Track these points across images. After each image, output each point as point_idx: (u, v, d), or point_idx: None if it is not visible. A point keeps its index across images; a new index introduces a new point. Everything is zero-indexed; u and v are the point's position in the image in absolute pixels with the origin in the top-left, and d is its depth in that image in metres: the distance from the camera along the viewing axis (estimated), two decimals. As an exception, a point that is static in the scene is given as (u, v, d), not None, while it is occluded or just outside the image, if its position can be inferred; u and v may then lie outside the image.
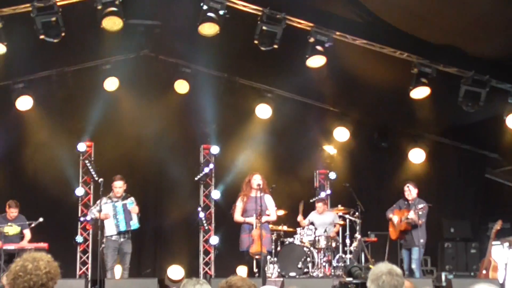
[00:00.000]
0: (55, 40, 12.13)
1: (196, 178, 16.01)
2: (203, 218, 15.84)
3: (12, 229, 13.31)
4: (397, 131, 16.48)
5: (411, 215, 12.75)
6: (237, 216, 12.85)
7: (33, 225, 13.10)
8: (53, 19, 11.82)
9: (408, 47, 12.74)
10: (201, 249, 15.94)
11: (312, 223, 14.23)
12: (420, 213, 12.78)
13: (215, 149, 16.06)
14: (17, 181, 14.73)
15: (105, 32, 12.66)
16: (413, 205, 12.97)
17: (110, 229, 12.63)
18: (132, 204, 12.65)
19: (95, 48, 14.06)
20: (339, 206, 14.56)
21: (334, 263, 13.65)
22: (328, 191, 16.33)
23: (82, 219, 15.38)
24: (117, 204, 12.63)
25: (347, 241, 14.00)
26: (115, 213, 12.62)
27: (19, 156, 14.91)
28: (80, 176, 15.63)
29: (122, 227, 12.59)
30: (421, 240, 12.85)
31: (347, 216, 14.17)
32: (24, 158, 14.80)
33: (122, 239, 12.71)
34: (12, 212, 13.49)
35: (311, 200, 14.92)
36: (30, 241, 13.32)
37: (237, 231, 12.95)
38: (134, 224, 12.66)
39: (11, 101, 14.57)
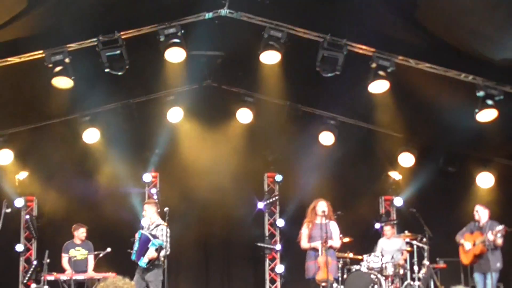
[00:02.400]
0: (120, 73, 12.38)
1: (261, 203, 15.97)
2: (268, 247, 15.81)
3: (79, 254, 13.56)
4: (464, 155, 16.15)
5: (490, 236, 12.40)
6: (304, 243, 12.74)
7: (101, 255, 13.28)
8: (118, 52, 12.07)
9: (473, 69, 12.54)
10: (267, 277, 15.88)
11: (381, 251, 14.05)
12: (498, 235, 12.43)
13: (279, 177, 16.05)
14: (84, 212, 14.93)
15: (168, 63, 12.89)
16: (485, 228, 12.61)
17: None
18: (154, 246, 11.76)
19: (159, 80, 14.22)
20: (406, 232, 14.35)
21: (403, 291, 13.43)
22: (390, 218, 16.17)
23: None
24: (141, 231, 12.08)
25: (415, 267, 13.73)
26: (137, 240, 12.10)
27: (87, 187, 15.15)
28: (145, 206, 15.78)
29: (133, 257, 11.97)
30: (498, 264, 12.43)
31: (414, 242, 13.92)
32: (91, 189, 15.03)
33: (141, 272, 11.92)
34: (82, 232, 13.73)
35: (376, 226, 14.78)
36: (94, 268, 13.51)
37: (303, 259, 12.87)
38: (141, 261, 11.80)
39: (79, 134, 14.88)
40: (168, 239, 11.89)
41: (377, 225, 15.83)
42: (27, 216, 15.56)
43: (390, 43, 12.39)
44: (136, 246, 11.93)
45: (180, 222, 14.37)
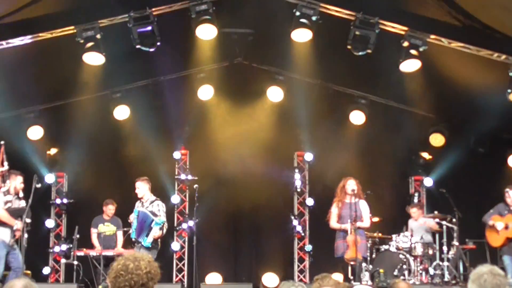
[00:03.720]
0: (151, 49, 12.43)
1: (293, 189, 16.00)
2: (297, 225, 15.80)
3: (108, 229, 13.68)
4: (495, 136, 16.02)
5: None
6: (333, 223, 12.74)
7: (130, 231, 13.37)
8: (149, 28, 12.09)
9: (506, 49, 12.39)
10: (296, 256, 15.90)
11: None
12: None
13: (308, 156, 16.02)
14: (114, 189, 14.99)
15: (199, 40, 12.88)
16: (517, 210, 12.58)
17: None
18: (158, 224, 11.81)
19: (190, 57, 14.24)
20: (436, 212, 14.26)
21: (431, 271, 13.35)
22: (417, 197, 16.10)
23: (178, 227, 15.59)
24: (137, 209, 12.12)
25: (444, 248, 13.68)
26: (135, 218, 12.10)
27: (117, 164, 15.24)
28: (176, 184, 15.85)
29: (132, 235, 12.08)
30: (530, 247, 12.42)
31: (444, 222, 13.84)
32: (121, 166, 15.10)
33: (139, 248, 11.89)
34: (110, 209, 13.91)
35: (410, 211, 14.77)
36: (123, 245, 13.62)
37: (332, 238, 12.86)
38: (145, 241, 11.81)
39: (110, 111, 14.96)
40: (165, 214, 12.02)
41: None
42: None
43: (423, 21, 12.30)
44: (134, 224, 11.95)
45: (209, 200, 14.44)
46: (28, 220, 11.53)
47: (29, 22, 12.08)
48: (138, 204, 12.29)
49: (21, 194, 11.53)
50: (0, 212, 11.29)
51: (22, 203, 11.39)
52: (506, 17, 11.58)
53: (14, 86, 13.44)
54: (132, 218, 12.18)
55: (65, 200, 15.57)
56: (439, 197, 14.80)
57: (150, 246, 11.72)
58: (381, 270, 12.36)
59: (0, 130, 14.51)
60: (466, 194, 15.39)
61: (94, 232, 13.91)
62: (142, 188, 12.25)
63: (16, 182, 11.55)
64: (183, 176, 15.64)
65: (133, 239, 12.09)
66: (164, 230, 11.93)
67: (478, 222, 13.51)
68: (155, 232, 11.78)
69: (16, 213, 11.39)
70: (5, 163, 11.33)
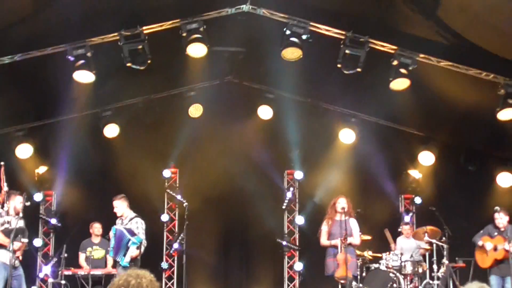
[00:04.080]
0: (141, 68, 12.41)
1: (283, 207, 15.96)
2: (287, 244, 15.78)
3: (97, 253, 13.60)
4: (485, 154, 16.07)
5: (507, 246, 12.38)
6: (323, 240, 12.75)
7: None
8: (140, 47, 12.10)
9: (494, 68, 12.48)
10: (286, 275, 15.86)
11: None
12: None
13: (298, 174, 16.02)
14: (103, 208, 14.88)
15: (190, 59, 12.90)
16: (505, 233, 12.62)
17: None
18: (134, 244, 11.54)
19: (180, 75, 14.28)
20: (428, 226, 14.25)
21: (422, 290, 13.35)
22: (410, 216, 16.11)
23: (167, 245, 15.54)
24: (115, 227, 11.83)
25: (434, 266, 13.66)
26: (112, 236, 11.84)
27: (106, 181, 15.18)
28: (165, 202, 15.81)
29: (110, 253, 11.84)
30: (518, 269, 12.42)
31: (433, 240, 13.83)
32: (111, 184, 15.05)
33: (118, 267, 11.75)
34: (97, 227, 13.81)
35: (399, 229, 14.79)
36: (113, 265, 13.52)
37: (322, 256, 12.85)
38: (123, 261, 11.51)
39: (100, 129, 14.95)
40: (144, 231, 11.78)
41: (407, 218, 15.76)
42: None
43: (412, 40, 12.35)
44: (112, 242, 11.71)
45: (199, 218, 14.43)
46: (25, 240, 11.44)
47: (20, 40, 12.06)
48: (118, 221, 12.10)
49: (21, 214, 11.49)
50: None
51: (21, 223, 11.32)
52: (494, 36, 11.66)
53: (3, 104, 13.39)
54: (110, 236, 12.08)
55: (53, 220, 15.47)
56: (429, 215, 14.81)
57: (128, 265, 11.47)
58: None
59: (-12, 147, 14.57)
60: (456, 212, 15.41)
61: (82, 254, 13.80)
62: (120, 206, 12.01)
63: (16, 202, 11.48)
64: (172, 194, 15.60)
65: (112, 257, 11.96)
66: (142, 249, 11.70)
67: (468, 240, 13.53)
68: (132, 252, 11.55)
69: (11, 234, 11.33)
70: (5, 184, 11.29)
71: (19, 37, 12.03)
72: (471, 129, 14.94)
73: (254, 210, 15.78)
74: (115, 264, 12.38)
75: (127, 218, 11.98)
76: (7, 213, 11.24)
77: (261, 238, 15.91)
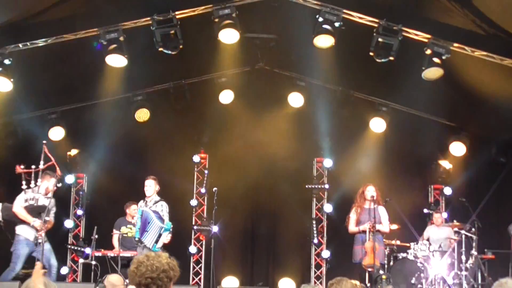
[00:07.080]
0: (173, 53, 12.45)
1: (307, 186, 15.92)
2: (315, 232, 15.76)
3: (130, 231, 13.66)
4: (517, 146, 15.95)
5: None
6: (352, 227, 12.76)
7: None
8: (172, 31, 12.13)
9: (529, 58, 12.35)
10: (313, 262, 15.86)
11: (428, 239, 13.96)
12: None
13: (328, 162, 15.97)
14: (133, 191, 15.00)
15: (222, 45, 12.90)
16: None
17: None
18: (167, 230, 11.76)
19: (212, 61, 14.26)
20: (455, 221, 14.21)
21: (449, 281, 13.28)
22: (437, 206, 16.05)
23: (195, 228, 15.60)
24: (141, 209, 11.97)
25: (463, 257, 13.60)
26: (138, 217, 11.95)
27: (136, 166, 15.24)
28: (195, 186, 15.86)
29: (136, 235, 11.90)
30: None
31: (462, 231, 13.76)
32: (140, 168, 15.12)
33: (143, 248, 11.82)
34: (133, 209, 13.73)
35: (425, 211, 14.73)
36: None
37: (350, 244, 12.85)
38: (155, 247, 11.65)
39: (131, 113, 15.04)
40: (168, 215, 11.93)
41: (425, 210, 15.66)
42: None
43: (446, 29, 12.23)
44: (138, 223, 11.84)
45: (228, 203, 14.45)
46: (47, 218, 11.59)
47: (53, 23, 12.16)
48: (141, 203, 12.22)
49: (49, 195, 11.63)
50: (17, 209, 11.42)
51: (47, 202, 11.47)
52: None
53: (37, 87, 13.55)
54: (136, 218, 12.15)
55: (84, 202, 15.63)
56: (459, 206, 14.74)
57: (159, 251, 11.57)
58: (384, 277, 12.26)
59: (22, 130, 14.70)
60: (486, 204, 15.29)
61: (116, 233, 13.87)
62: (152, 186, 12.13)
63: (50, 183, 11.68)
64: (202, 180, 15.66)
65: (136, 239, 12.00)
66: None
67: (497, 232, 13.46)
68: (165, 239, 11.77)
69: (35, 211, 11.50)
70: (41, 162, 11.41)
71: (53, 21, 12.12)
72: (504, 121, 14.78)
73: (282, 197, 15.82)
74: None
75: (151, 201, 12.09)
76: (38, 190, 11.39)
77: (289, 225, 15.90)
